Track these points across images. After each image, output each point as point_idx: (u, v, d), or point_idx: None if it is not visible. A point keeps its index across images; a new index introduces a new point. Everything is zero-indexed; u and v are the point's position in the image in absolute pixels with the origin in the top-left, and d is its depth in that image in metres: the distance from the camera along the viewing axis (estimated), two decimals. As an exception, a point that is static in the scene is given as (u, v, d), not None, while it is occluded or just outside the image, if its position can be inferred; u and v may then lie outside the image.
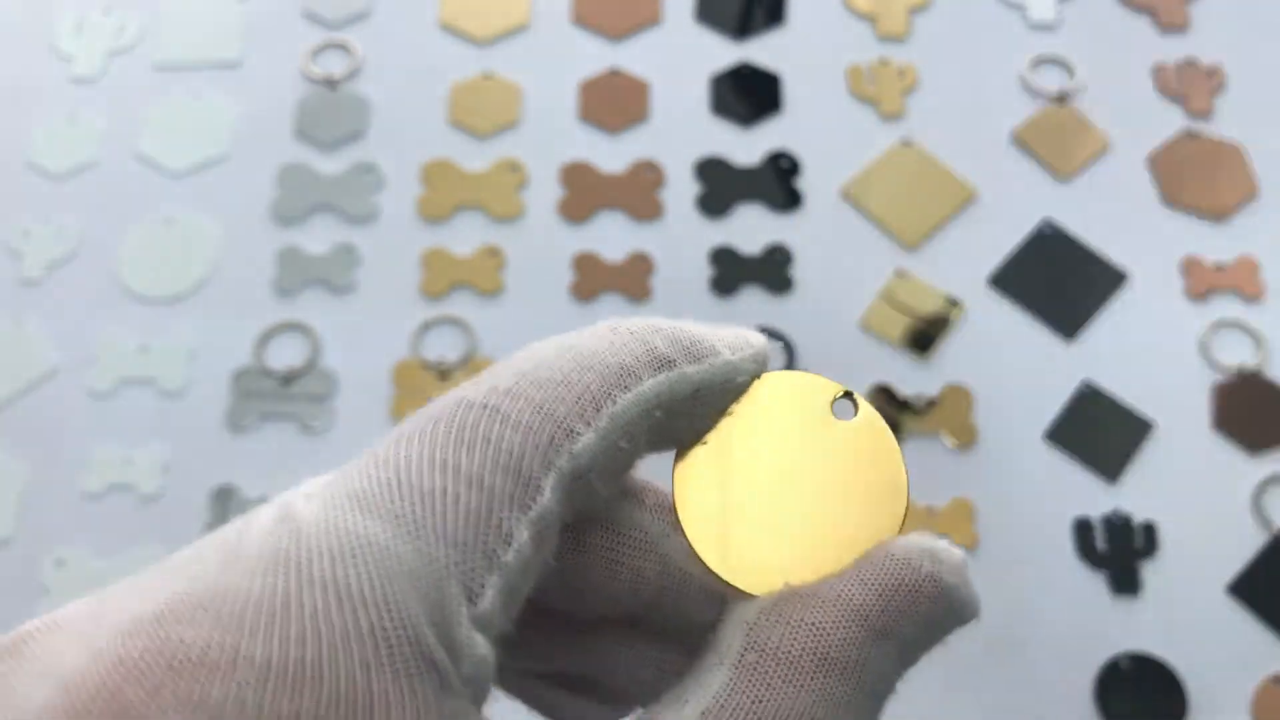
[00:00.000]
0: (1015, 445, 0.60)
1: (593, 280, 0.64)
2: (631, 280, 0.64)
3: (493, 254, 0.65)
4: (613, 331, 0.19)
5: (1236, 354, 0.62)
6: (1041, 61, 0.70)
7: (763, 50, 0.71)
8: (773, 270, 0.64)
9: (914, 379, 0.61)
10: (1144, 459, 0.60)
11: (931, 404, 0.61)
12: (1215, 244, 0.65)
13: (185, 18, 0.74)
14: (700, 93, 0.70)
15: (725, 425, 0.20)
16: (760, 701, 0.17)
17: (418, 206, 0.67)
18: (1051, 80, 0.70)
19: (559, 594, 0.20)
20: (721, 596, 0.19)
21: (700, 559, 0.19)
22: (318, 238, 0.66)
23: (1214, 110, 0.69)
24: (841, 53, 0.71)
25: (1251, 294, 0.63)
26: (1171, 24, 0.71)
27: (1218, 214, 0.66)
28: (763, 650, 0.17)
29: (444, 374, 0.62)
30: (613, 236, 0.66)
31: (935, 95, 0.70)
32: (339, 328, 0.64)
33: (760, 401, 0.20)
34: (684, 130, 0.69)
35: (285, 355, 0.63)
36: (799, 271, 0.64)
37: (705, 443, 0.20)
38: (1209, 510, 0.58)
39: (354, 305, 0.64)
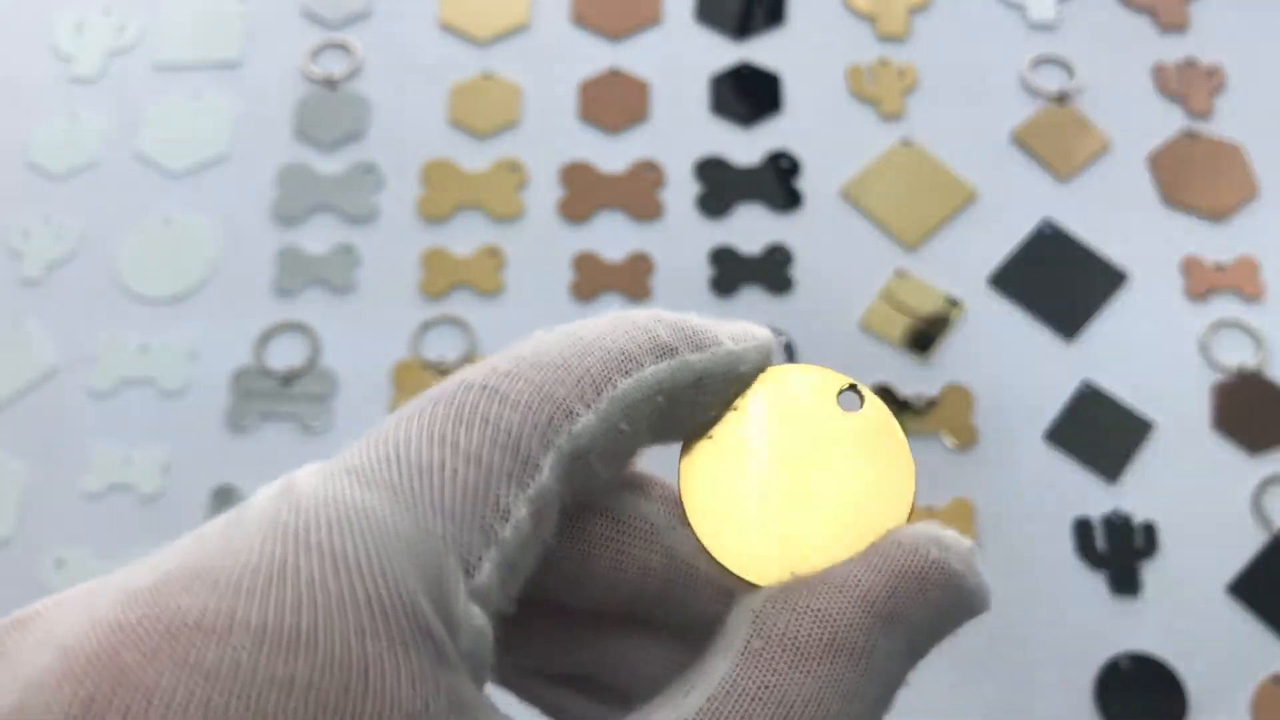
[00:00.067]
0: (1015, 445, 0.60)
1: (593, 280, 0.64)
2: (631, 280, 0.64)
3: (493, 254, 0.65)
4: (616, 319, 0.19)
5: (1236, 354, 0.62)
6: (1041, 61, 0.70)
7: (763, 50, 0.71)
8: (773, 270, 0.64)
9: (914, 379, 0.61)
10: (1144, 459, 0.60)
11: (931, 404, 0.61)
12: (1215, 244, 0.65)
13: (185, 18, 0.74)
14: (700, 93, 0.70)
15: (731, 418, 0.20)
16: (767, 688, 0.17)
17: (418, 206, 0.67)
18: (1051, 80, 0.70)
19: (564, 587, 0.20)
20: (728, 592, 0.19)
21: (707, 550, 0.19)
22: (318, 238, 0.66)
23: (1214, 110, 0.69)
24: (841, 53, 0.71)
25: (1251, 294, 0.63)
26: (1171, 24, 0.71)
27: (1218, 214, 0.66)
28: (769, 636, 0.17)
29: (444, 374, 0.62)
30: (613, 236, 0.66)
31: (935, 95, 0.70)
32: (339, 328, 0.64)
33: (765, 395, 0.20)
34: (684, 130, 0.69)
35: (285, 355, 0.63)
36: (799, 271, 0.64)
37: (711, 436, 0.20)
38: (1209, 510, 0.58)
39: (354, 305, 0.64)
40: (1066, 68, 0.70)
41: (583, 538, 0.19)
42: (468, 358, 0.63)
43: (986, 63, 0.71)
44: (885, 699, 0.18)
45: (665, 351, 0.19)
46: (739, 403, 0.20)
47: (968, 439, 0.60)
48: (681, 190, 0.67)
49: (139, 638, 0.14)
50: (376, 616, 0.15)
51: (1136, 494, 0.59)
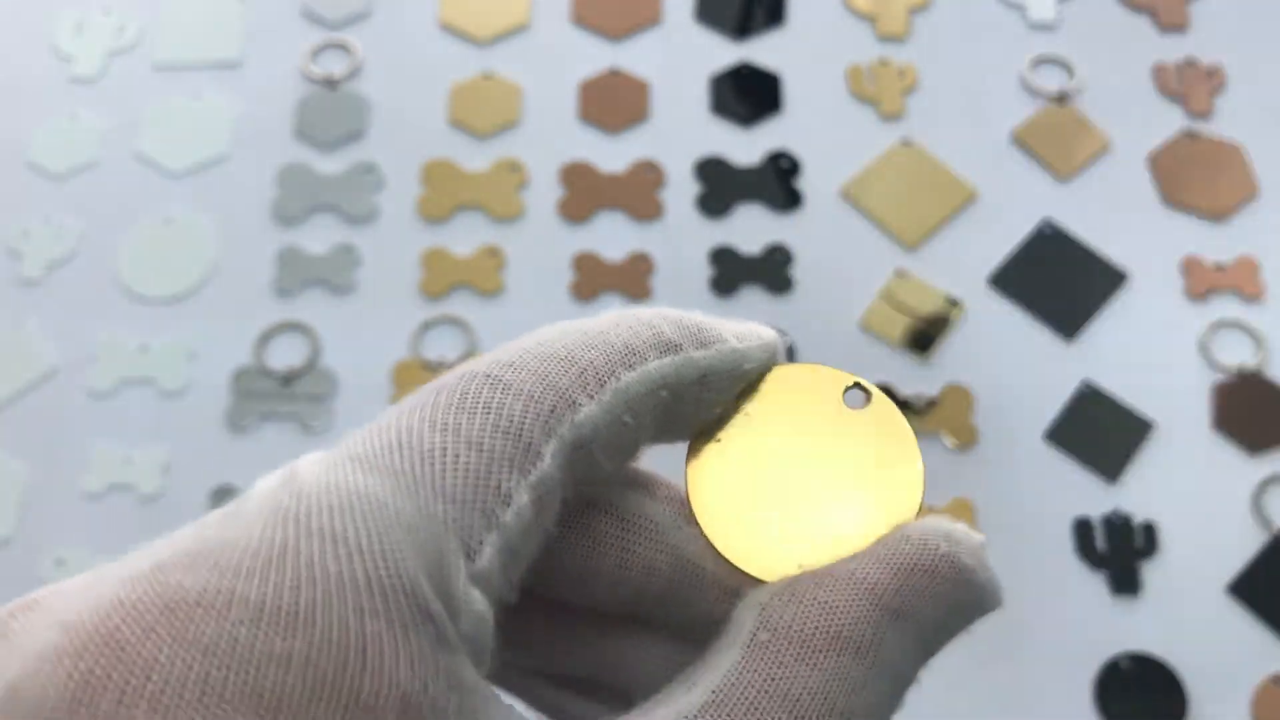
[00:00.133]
0: (1015, 445, 0.60)
1: (593, 280, 0.64)
2: (631, 280, 0.64)
3: (493, 254, 0.65)
4: (620, 315, 0.19)
5: (1236, 354, 0.62)
6: (1041, 61, 0.70)
7: (763, 50, 0.71)
8: (773, 270, 0.64)
9: (914, 379, 0.61)
10: (1144, 459, 0.60)
11: (931, 404, 0.61)
12: (1215, 244, 0.65)
13: (185, 18, 0.74)
14: (700, 93, 0.70)
15: (737, 418, 0.20)
16: (773, 680, 0.16)
17: (418, 206, 0.67)
18: (1051, 80, 0.70)
19: (568, 585, 0.20)
20: (732, 592, 0.19)
21: (714, 547, 0.19)
22: (318, 238, 0.66)
23: (1214, 110, 0.69)
24: (841, 53, 0.71)
25: (1251, 294, 0.63)
26: (1171, 24, 0.71)
27: (1218, 214, 0.66)
28: (775, 629, 0.17)
29: (444, 374, 0.62)
30: (613, 236, 0.66)
31: (935, 95, 0.70)
32: (339, 328, 0.64)
33: (771, 394, 0.20)
34: (684, 130, 0.69)
35: (285, 355, 0.63)
36: (799, 271, 0.64)
37: (718, 437, 0.20)
38: (1209, 510, 0.58)
39: (354, 305, 0.64)
40: (1066, 68, 0.70)
41: (588, 536, 0.19)
42: (467, 358, 0.62)
43: (986, 63, 0.71)
44: (894, 695, 0.17)
45: (669, 347, 0.19)
46: (745, 405, 0.20)
47: (968, 439, 0.60)
48: (681, 190, 0.67)
49: (138, 614, 0.15)
50: (376, 597, 0.15)
51: (1136, 494, 0.59)
